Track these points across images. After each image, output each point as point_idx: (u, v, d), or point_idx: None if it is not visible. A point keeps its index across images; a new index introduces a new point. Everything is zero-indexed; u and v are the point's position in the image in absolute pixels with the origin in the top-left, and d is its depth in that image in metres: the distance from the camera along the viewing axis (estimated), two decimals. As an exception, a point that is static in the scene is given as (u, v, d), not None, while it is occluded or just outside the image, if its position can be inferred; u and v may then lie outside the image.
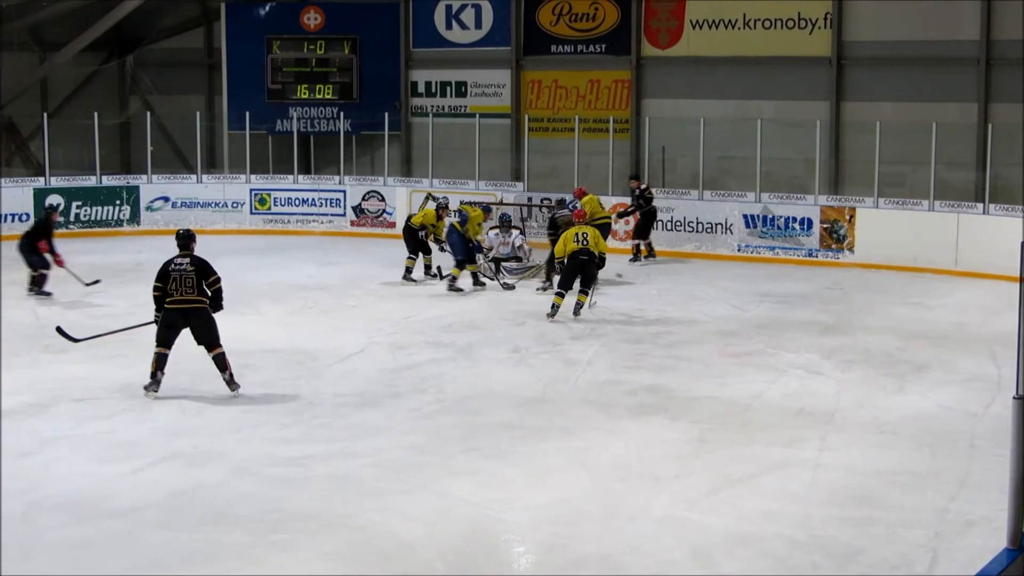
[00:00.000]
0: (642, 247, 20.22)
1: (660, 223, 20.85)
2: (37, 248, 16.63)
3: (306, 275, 18.65)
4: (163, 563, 7.54)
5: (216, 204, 23.64)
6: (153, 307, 11.50)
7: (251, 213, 23.77)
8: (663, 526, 8.20)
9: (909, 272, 18.93)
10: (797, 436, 10.31)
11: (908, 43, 21.37)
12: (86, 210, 22.93)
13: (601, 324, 15.05)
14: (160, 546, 7.79)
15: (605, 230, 18.47)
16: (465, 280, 17.37)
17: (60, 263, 16.60)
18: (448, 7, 25.16)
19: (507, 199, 21.56)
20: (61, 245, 19.24)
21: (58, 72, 26.42)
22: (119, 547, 7.76)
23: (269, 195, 23.87)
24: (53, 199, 22.45)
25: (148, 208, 23.40)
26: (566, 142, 22.91)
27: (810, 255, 20.13)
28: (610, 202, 20.63)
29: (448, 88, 25.41)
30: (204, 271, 11.45)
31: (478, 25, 24.97)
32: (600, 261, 15.43)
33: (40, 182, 22.90)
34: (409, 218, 18.45)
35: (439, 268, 18.10)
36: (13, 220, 22.16)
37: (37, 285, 16.58)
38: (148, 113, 24.69)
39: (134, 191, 23.30)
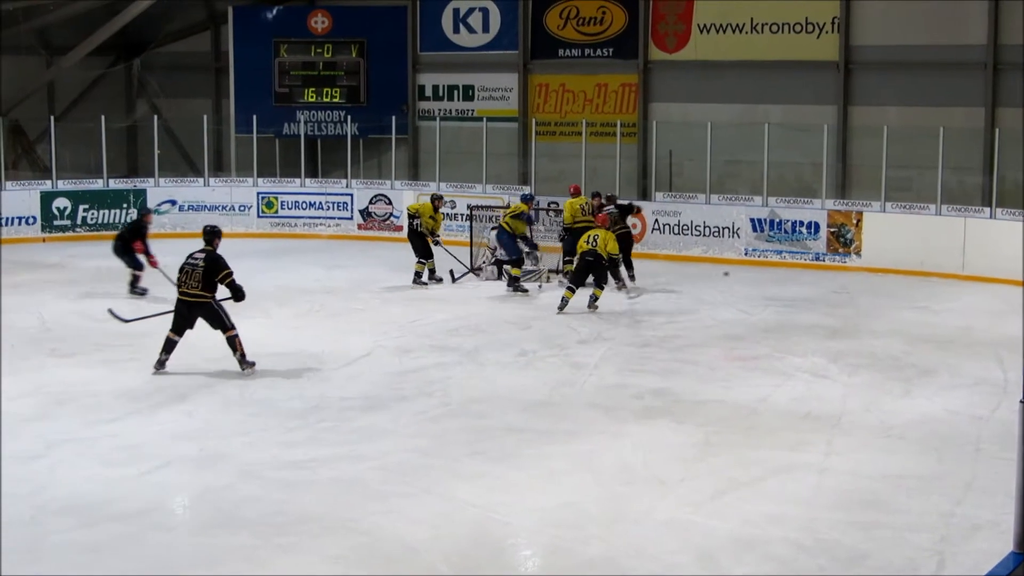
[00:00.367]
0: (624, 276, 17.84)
1: (667, 227, 20.86)
2: (132, 249, 16.69)
3: (313, 279, 18.67)
4: (169, 566, 7.55)
5: (223, 207, 23.67)
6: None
7: (258, 216, 23.80)
8: (668, 529, 8.20)
9: (916, 276, 18.91)
10: (803, 440, 10.30)
11: (915, 47, 21.36)
12: (93, 213, 22.95)
13: (607, 328, 15.05)
14: (166, 549, 7.80)
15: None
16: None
17: (154, 264, 16.51)
18: (456, 11, 25.20)
19: (513, 203, 21.52)
20: (65, 248, 19.35)
21: (65, 75, 26.49)
22: (125, 550, 7.76)
23: (276, 198, 23.90)
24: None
25: (155, 211, 23.37)
26: (573, 146, 22.92)
27: (817, 259, 20.12)
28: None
29: (455, 92, 25.44)
30: (214, 268, 12.07)
31: (485, 29, 25.01)
32: (608, 262, 16.14)
33: (47, 185, 22.94)
34: (412, 220, 18.36)
35: (451, 271, 18.12)
36: (20, 223, 22.22)
37: (134, 284, 16.70)
38: (155, 116, 24.77)
39: (141, 194, 23.32)
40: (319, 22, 25.67)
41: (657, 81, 23.73)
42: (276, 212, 23.82)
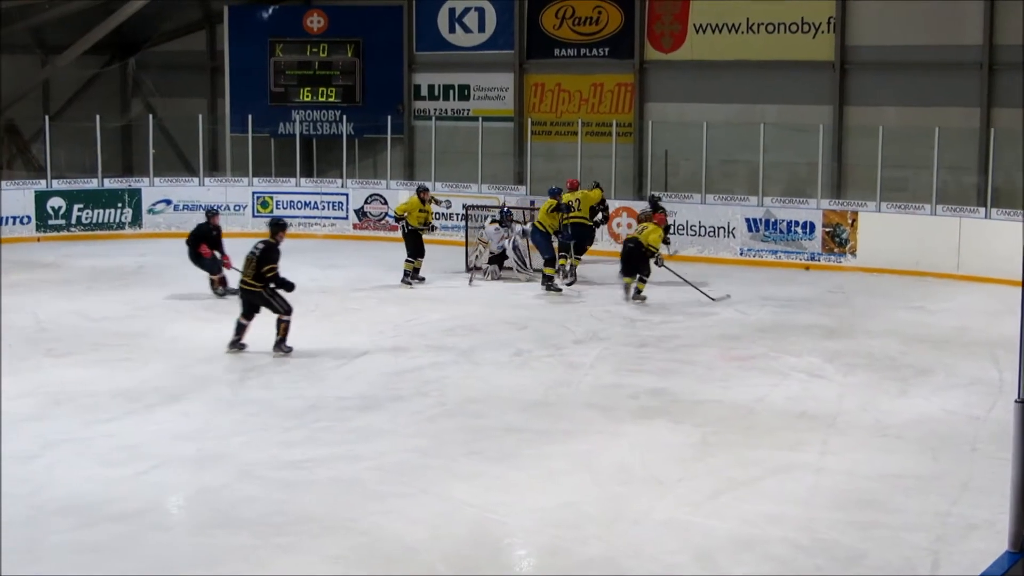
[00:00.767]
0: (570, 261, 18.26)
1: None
2: (200, 254, 16.54)
3: (308, 278, 18.51)
4: (167, 566, 7.55)
5: (218, 207, 23.54)
6: None
7: (253, 216, 23.74)
8: (666, 529, 8.21)
9: (911, 276, 18.93)
10: (800, 440, 10.32)
11: (911, 47, 21.37)
12: (88, 213, 22.91)
13: (603, 327, 15.07)
14: (164, 549, 7.81)
15: (588, 230, 18.66)
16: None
17: (228, 265, 16.38)
18: (451, 10, 25.19)
19: (509, 203, 21.54)
20: (60, 248, 19.28)
21: (60, 75, 26.43)
22: (123, 550, 7.77)
23: (271, 198, 23.88)
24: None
25: (150, 211, 23.38)
26: (569, 146, 22.91)
27: (812, 259, 20.14)
28: (613, 205, 20.65)
29: (451, 91, 25.43)
30: (263, 260, 12.95)
31: (481, 28, 25.00)
32: (648, 252, 16.69)
33: (42, 184, 22.91)
34: (399, 221, 18.40)
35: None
36: (15, 223, 22.18)
37: (222, 286, 16.56)
38: (150, 116, 24.74)
39: (136, 194, 23.30)
40: (315, 22, 25.65)
41: (653, 81, 23.73)
42: (271, 212, 23.73)
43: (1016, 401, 6.94)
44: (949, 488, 9.07)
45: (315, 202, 23.83)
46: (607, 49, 23.98)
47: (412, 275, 18.05)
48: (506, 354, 13.53)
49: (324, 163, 25.49)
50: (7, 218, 22.12)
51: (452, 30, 25.24)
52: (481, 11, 24.92)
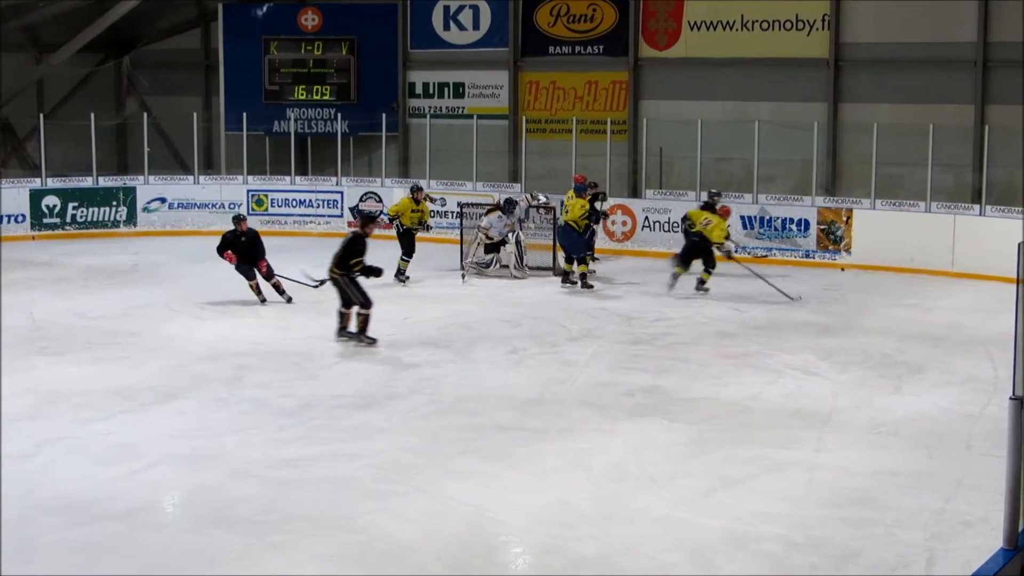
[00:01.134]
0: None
1: (657, 224, 20.89)
2: (227, 260, 16.03)
3: (303, 276, 18.58)
4: (162, 565, 7.54)
5: (213, 205, 23.62)
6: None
7: (248, 214, 23.62)
8: (661, 527, 8.21)
9: (906, 273, 18.95)
10: (794, 437, 10.32)
11: (906, 45, 21.39)
12: (82, 211, 22.90)
13: (598, 325, 15.06)
14: (158, 548, 7.80)
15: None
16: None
17: (263, 270, 16.13)
18: (446, 8, 25.18)
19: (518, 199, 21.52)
20: (55, 246, 19.23)
21: (55, 73, 26.41)
22: (118, 549, 7.76)
23: (266, 196, 23.86)
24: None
25: (145, 209, 23.37)
26: (564, 143, 22.90)
27: (807, 256, 20.15)
28: (607, 203, 20.63)
29: (446, 89, 25.42)
30: (348, 252, 13.61)
31: (476, 26, 24.99)
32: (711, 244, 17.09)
33: (36, 183, 22.88)
34: (393, 221, 18.41)
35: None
36: (9, 221, 22.16)
37: (258, 293, 16.10)
38: (145, 114, 24.71)
39: (131, 192, 23.28)
40: (309, 19, 25.63)
41: (647, 78, 23.73)
42: (266, 210, 23.78)
43: (1011, 398, 6.93)
44: (944, 485, 9.07)
45: (310, 200, 23.81)
46: (602, 47, 23.98)
47: (399, 273, 18.05)
48: (501, 352, 13.53)
49: (319, 161, 25.47)
50: (2, 216, 22.10)
51: (447, 28, 25.23)
52: (476, 9, 24.91)
